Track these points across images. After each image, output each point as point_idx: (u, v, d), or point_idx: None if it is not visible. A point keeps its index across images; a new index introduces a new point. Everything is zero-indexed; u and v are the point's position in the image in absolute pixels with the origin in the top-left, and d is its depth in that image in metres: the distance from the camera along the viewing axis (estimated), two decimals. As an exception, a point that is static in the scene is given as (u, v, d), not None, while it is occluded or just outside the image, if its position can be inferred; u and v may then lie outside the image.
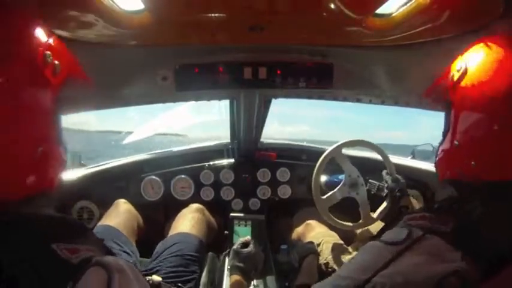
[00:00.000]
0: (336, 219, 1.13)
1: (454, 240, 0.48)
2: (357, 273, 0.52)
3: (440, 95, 0.64)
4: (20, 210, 0.48)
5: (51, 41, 0.50)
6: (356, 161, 1.19)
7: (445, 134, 0.60)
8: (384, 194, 1.11)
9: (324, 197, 1.13)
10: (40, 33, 0.50)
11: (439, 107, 0.69)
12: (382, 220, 1.16)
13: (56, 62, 0.50)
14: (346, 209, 1.17)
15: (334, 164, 1.17)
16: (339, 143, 1.15)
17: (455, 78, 0.58)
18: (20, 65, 0.46)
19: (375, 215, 1.17)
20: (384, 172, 1.14)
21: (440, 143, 0.61)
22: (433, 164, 0.65)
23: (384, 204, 1.14)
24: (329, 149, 1.15)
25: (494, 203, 0.52)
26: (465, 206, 0.54)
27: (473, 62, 0.56)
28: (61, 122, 0.54)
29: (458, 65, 0.58)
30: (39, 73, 0.48)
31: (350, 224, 1.14)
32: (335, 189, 1.14)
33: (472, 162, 0.52)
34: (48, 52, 0.49)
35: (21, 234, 0.44)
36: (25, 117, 0.46)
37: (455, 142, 0.56)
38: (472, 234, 0.49)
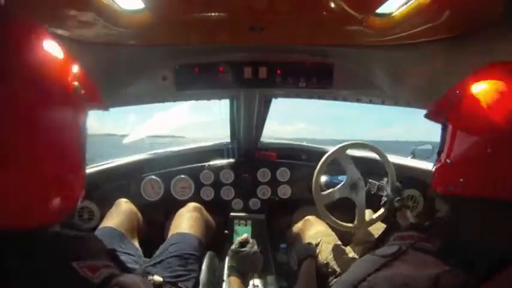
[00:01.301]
0: (331, 216, 1.13)
1: (439, 257, 0.51)
2: (349, 278, 0.57)
3: (439, 116, 0.65)
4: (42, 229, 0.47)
5: (75, 68, 0.47)
6: (357, 161, 1.19)
7: (439, 153, 0.62)
8: (382, 202, 1.11)
9: (324, 193, 1.13)
10: (67, 63, 0.46)
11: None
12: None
13: (83, 91, 0.47)
14: (345, 209, 1.17)
15: (335, 164, 1.17)
16: (343, 145, 1.14)
17: (454, 101, 0.60)
18: (53, 107, 0.43)
19: (369, 217, 1.17)
20: (385, 180, 1.14)
21: (436, 161, 0.64)
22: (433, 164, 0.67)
23: (381, 211, 1.15)
24: (332, 149, 1.15)
25: (482, 219, 0.54)
26: (453, 224, 0.57)
27: (469, 90, 0.58)
28: (86, 144, 0.52)
29: (455, 92, 0.60)
30: (66, 95, 0.45)
31: (344, 224, 1.14)
32: (335, 188, 1.14)
33: (461, 180, 0.55)
34: (77, 83, 0.46)
35: (42, 253, 0.44)
36: (55, 140, 0.44)
37: (448, 161, 0.59)
38: (458, 253, 0.51)
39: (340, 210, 1.18)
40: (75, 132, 0.48)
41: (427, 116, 0.73)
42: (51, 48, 0.45)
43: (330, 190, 1.14)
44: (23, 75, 0.40)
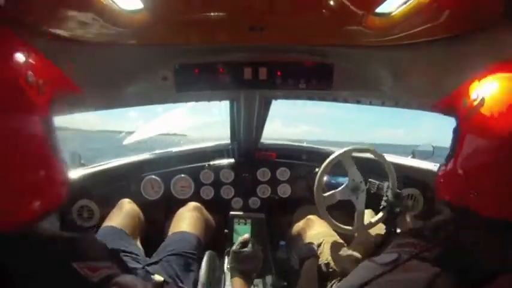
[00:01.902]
0: (331, 219, 1.13)
1: (438, 265, 0.50)
2: (348, 285, 0.57)
3: (450, 112, 0.63)
4: (36, 228, 0.48)
5: (31, 59, 0.46)
6: (358, 159, 1.19)
7: (449, 158, 0.59)
8: (382, 206, 1.11)
9: (325, 194, 1.13)
10: (18, 52, 0.45)
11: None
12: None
13: (40, 80, 0.46)
14: (346, 209, 1.17)
15: (336, 166, 1.17)
16: (348, 148, 1.14)
17: (470, 107, 0.56)
18: (2, 93, 0.42)
19: (369, 218, 1.17)
20: (385, 185, 1.14)
21: (445, 163, 0.61)
22: (433, 164, 0.66)
23: (380, 215, 1.15)
24: (337, 152, 1.14)
25: (485, 237, 0.53)
26: (454, 234, 0.56)
27: (492, 93, 0.53)
28: (57, 139, 0.51)
29: (474, 94, 0.56)
30: (24, 97, 0.44)
31: (344, 226, 1.14)
32: (336, 190, 1.14)
33: (475, 192, 0.52)
34: (30, 72, 0.45)
35: (42, 253, 0.45)
36: (18, 145, 0.43)
37: (459, 171, 0.55)
38: (457, 262, 0.50)
39: (341, 210, 1.18)
40: (36, 125, 0.46)
41: (433, 109, 0.70)
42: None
43: (331, 192, 1.14)
44: None
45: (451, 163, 0.59)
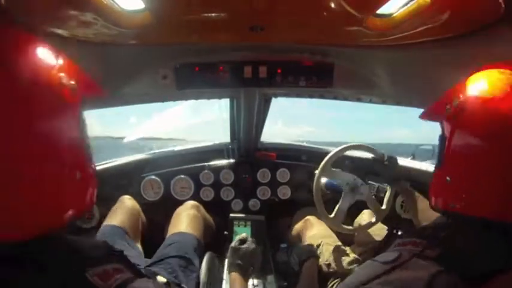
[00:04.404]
0: (349, 227, 1.14)
1: (440, 263, 0.50)
2: (350, 283, 0.57)
3: (434, 119, 0.64)
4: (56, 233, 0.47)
5: (61, 61, 0.47)
6: (356, 162, 1.19)
7: (437, 167, 0.60)
8: (382, 194, 1.11)
9: (332, 215, 1.13)
10: (50, 55, 0.47)
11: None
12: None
13: (72, 82, 0.47)
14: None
15: (334, 166, 1.17)
16: (342, 147, 1.14)
17: (452, 111, 0.57)
18: (39, 96, 0.43)
19: (369, 218, 1.19)
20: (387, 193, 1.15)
21: (434, 174, 0.62)
22: (434, 165, 0.66)
23: (367, 215, 1.18)
24: (333, 151, 1.15)
25: (480, 238, 0.53)
26: (454, 235, 0.56)
27: (471, 98, 0.55)
28: (88, 140, 0.52)
29: (455, 100, 0.57)
30: (59, 98, 0.46)
31: (345, 226, 1.14)
32: (339, 202, 1.14)
33: (463, 195, 0.54)
34: (63, 74, 0.46)
35: (56, 261, 0.44)
36: (56, 146, 0.45)
37: (447, 178, 0.57)
38: (458, 261, 0.50)
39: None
40: (71, 125, 0.47)
41: (421, 117, 0.72)
42: (23, 43, 0.45)
43: (337, 208, 1.14)
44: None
45: (439, 171, 0.60)
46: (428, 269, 0.49)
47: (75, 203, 0.47)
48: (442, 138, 0.59)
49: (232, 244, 0.89)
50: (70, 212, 0.46)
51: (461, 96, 0.57)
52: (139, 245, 1.18)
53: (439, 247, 0.53)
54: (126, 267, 0.51)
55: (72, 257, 0.46)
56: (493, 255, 0.50)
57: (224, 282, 1.06)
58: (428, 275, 0.47)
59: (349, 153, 1.37)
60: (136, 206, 1.33)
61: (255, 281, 1.09)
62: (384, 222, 1.20)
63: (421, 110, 0.76)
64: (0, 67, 0.41)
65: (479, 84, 0.56)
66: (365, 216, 1.31)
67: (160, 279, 0.85)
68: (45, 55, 0.46)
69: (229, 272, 0.84)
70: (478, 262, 0.49)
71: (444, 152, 0.58)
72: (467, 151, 0.54)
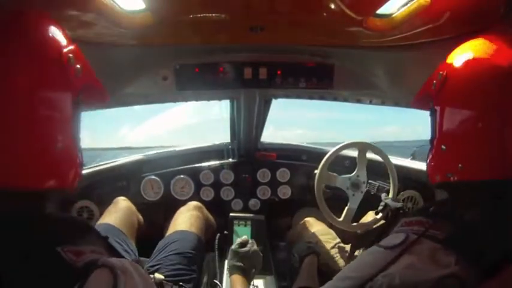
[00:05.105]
0: (331, 214, 1.14)
1: (449, 245, 0.50)
2: (355, 274, 0.55)
3: (425, 103, 0.65)
4: (30, 204, 0.49)
5: (72, 47, 0.52)
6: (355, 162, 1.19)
7: (432, 141, 0.61)
8: (380, 208, 1.11)
9: (341, 218, 1.14)
10: (64, 37, 0.52)
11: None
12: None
13: (78, 65, 0.51)
14: (344, 208, 1.17)
15: (335, 166, 1.17)
16: (339, 146, 1.15)
17: (438, 84, 0.59)
18: (46, 64, 0.48)
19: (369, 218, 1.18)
20: (383, 195, 1.14)
21: (429, 150, 0.63)
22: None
23: (371, 216, 1.15)
24: (339, 145, 1.15)
25: (486, 203, 0.53)
26: (459, 210, 0.55)
27: (453, 66, 0.57)
28: (79, 130, 0.54)
29: (438, 74, 0.60)
30: (63, 73, 0.50)
31: (337, 219, 1.15)
32: (347, 205, 1.15)
33: (460, 165, 0.54)
34: (72, 55, 0.50)
35: (26, 234, 0.44)
36: (46, 113, 0.48)
37: (442, 147, 0.58)
38: (467, 239, 0.50)
39: (341, 210, 1.18)
40: (66, 103, 0.50)
41: (412, 105, 0.73)
42: (43, 21, 0.51)
43: (346, 213, 1.15)
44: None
45: (433, 147, 0.61)
46: (438, 259, 0.48)
47: (55, 174, 0.50)
48: (433, 111, 0.61)
49: (233, 247, 0.89)
50: (50, 182, 0.49)
51: (444, 69, 0.59)
52: (133, 244, 1.17)
53: (447, 225, 0.52)
54: (109, 253, 0.52)
55: (47, 231, 0.47)
56: (504, 222, 0.50)
57: (224, 283, 1.06)
58: (437, 276, 0.47)
59: (349, 153, 1.38)
60: (131, 206, 1.32)
61: (255, 281, 1.09)
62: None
63: (421, 111, 0.76)
64: (21, 38, 0.46)
65: (460, 54, 0.58)
66: (369, 217, 1.31)
67: (158, 276, 0.85)
68: (61, 36, 0.51)
69: (231, 274, 0.84)
70: (489, 234, 0.49)
71: (436, 125, 0.59)
72: (457, 115, 0.56)
